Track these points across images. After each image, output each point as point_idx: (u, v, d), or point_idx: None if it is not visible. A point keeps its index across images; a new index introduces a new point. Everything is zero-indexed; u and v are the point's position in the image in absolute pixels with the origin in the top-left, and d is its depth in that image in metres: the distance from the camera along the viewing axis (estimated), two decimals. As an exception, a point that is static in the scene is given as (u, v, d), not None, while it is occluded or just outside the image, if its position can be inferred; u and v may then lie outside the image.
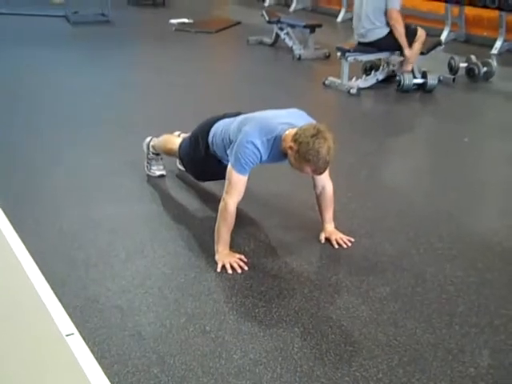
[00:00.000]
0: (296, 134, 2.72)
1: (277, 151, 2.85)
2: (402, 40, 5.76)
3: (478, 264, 2.94)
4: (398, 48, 5.88)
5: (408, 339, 2.38)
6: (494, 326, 2.47)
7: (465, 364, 2.26)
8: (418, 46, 5.89)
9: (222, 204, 2.89)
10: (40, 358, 2.27)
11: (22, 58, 7.14)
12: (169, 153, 3.67)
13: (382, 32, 5.81)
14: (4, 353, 2.28)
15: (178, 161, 3.83)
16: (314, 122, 2.95)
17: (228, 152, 2.98)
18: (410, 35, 5.86)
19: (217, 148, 3.18)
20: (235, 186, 2.87)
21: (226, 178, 2.92)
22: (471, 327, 2.46)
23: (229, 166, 2.91)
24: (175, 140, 3.62)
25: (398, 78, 5.94)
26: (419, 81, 5.94)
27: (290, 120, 2.91)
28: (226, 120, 3.21)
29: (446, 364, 2.26)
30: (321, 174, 2.87)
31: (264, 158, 2.86)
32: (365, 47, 5.99)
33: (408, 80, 5.83)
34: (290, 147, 2.72)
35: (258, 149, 2.81)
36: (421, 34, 5.92)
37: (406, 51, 5.81)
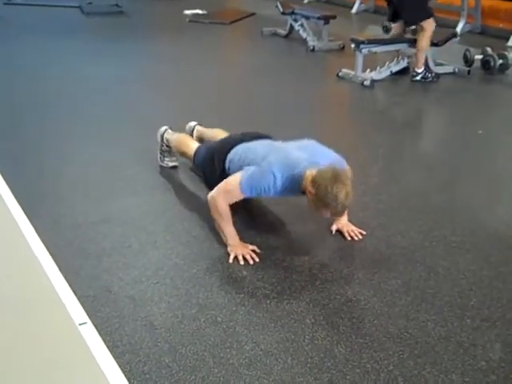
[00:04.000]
0: (315, 177, 2.67)
1: (294, 187, 2.80)
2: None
3: (491, 258, 2.92)
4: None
5: (419, 332, 2.38)
6: (506, 320, 2.46)
7: (476, 357, 2.25)
8: (424, 41, 5.87)
9: (212, 203, 2.87)
10: (53, 346, 2.30)
11: (36, 49, 7.17)
12: (182, 155, 3.64)
13: None
14: (19, 341, 2.31)
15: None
16: (334, 158, 2.90)
17: (244, 168, 2.90)
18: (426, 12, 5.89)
19: (233, 173, 3.05)
20: (229, 196, 2.85)
21: (227, 180, 2.91)
22: (483, 321, 2.46)
23: (238, 174, 2.87)
24: (191, 144, 3.55)
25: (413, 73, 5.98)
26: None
27: (313, 157, 2.85)
28: (245, 146, 3.12)
29: (457, 357, 2.25)
30: (339, 216, 2.84)
31: (277, 192, 2.82)
32: None
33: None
34: (309, 190, 2.70)
35: (275, 183, 2.77)
36: (430, 26, 5.85)
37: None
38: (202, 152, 3.37)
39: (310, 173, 2.71)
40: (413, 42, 5.97)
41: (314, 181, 2.66)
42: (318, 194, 2.64)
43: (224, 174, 3.07)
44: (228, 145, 3.21)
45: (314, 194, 2.67)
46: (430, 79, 5.98)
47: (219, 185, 2.94)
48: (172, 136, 3.73)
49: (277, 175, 2.76)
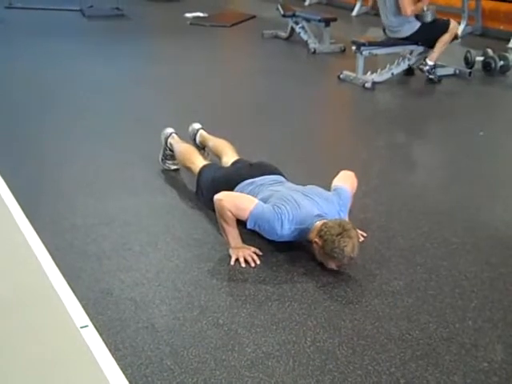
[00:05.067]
0: (321, 230, 2.70)
1: (299, 237, 2.85)
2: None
3: (492, 259, 2.92)
4: (431, 41, 5.92)
5: (421, 333, 2.38)
6: (507, 321, 2.46)
7: (478, 359, 2.25)
8: (447, 37, 5.89)
9: (219, 206, 2.84)
10: (55, 349, 2.30)
11: (37, 51, 7.18)
12: (185, 168, 3.60)
13: (413, 27, 5.86)
14: (20, 344, 2.30)
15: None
16: (342, 205, 2.95)
17: (260, 202, 2.86)
18: (441, 28, 5.88)
19: None
20: (237, 211, 2.82)
21: (243, 198, 2.90)
22: (484, 322, 2.45)
23: (254, 200, 2.85)
24: (196, 161, 3.48)
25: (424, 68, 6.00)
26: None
27: (322, 210, 2.87)
28: (252, 182, 3.09)
29: (459, 358, 2.25)
30: (344, 267, 2.83)
31: (278, 238, 2.85)
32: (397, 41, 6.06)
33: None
34: (316, 242, 2.73)
35: (281, 230, 2.78)
36: (453, 26, 5.94)
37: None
38: (206, 177, 3.31)
39: (317, 225, 2.76)
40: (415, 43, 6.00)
41: (321, 234, 2.70)
42: (324, 247, 2.69)
43: None
44: (236, 179, 3.16)
45: (320, 247, 2.72)
46: (433, 77, 5.98)
47: (232, 193, 2.95)
48: (177, 146, 3.69)
49: (285, 225, 2.78)
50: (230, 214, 2.82)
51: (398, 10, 5.79)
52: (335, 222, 2.75)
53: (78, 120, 4.85)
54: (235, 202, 2.86)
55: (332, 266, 2.76)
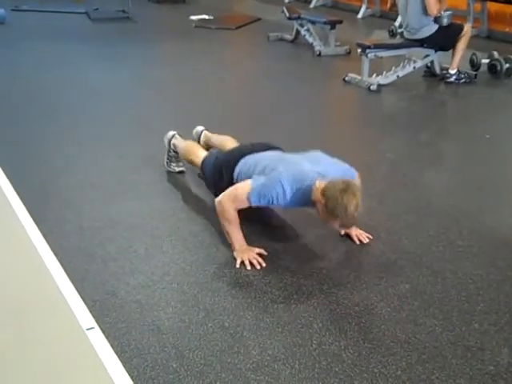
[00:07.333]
0: (325, 188, 2.68)
1: (303, 199, 2.81)
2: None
3: (499, 262, 2.91)
4: (446, 44, 5.98)
5: (427, 337, 2.37)
6: (514, 324, 2.45)
7: (484, 362, 2.24)
8: (463, 42, 5.95)
9: (219, 207, 2.86)
10: (61, 351, 2.30)
11: (42, 54, 7.21)
12: (189, 163, 3.62)
13: (431, 29, 5.89)
14: (26, 346, 2.31)
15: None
16: (344, 169, 2.92)
17: (254, 177, 2.89)
18: (456, 32, 5.92)
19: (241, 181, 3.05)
20: (237, 202, 2.84)
21: (237, 187, 2.90)
22: (491, 325, 2.44)
23: (247, 182, 2.86)
24: (198, 153, 3.53)
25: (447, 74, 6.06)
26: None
27: (323, 169, 2.85)
28: (254, 157, 3.09)
29: (465, 362, 2.24)
30: (348, 228, 2.83)
31: (286, 204, 2.82)
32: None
33: None
34: (319, 201, 2.70)
35: (284, 195, 2.76)
36: (467, 30, 6.00)
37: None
38: (209, 161, 3.35)
39: (320, 184, 2.72)
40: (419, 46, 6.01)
41: (324, 192, 2.67)
42: (327, 205, 2.65)
43: (232, 185, 3.04)
44: (237, 155, 3.18)
45: (323, 205, 2.68)
46: (464, 80, 6.01)
47: (227, 190, 2.93)
48: (180, 143, 3.72)
49: (286, 187, 2.76)
50: (231, 210, 2.82)
51: (423, 10, 5.81)
52: (339, 180, 2.69)
53: (82, 123, 4.86)
54: (231, 193, 2.87)
55: (335, 225, 2.73)
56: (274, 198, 2.78)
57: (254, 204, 2.83)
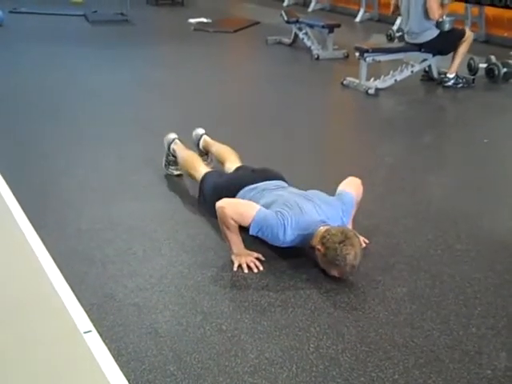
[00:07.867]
0: (324, 237, 2.70)
1: (301, 242, 2.84)
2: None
3: (497, 265, 2.91)
4: (446, 49, 6.02)
5: (424, 341, 2.37)
6: (511, 328, 2.45)
7: (482, 366, 2.24)
8: (464, 47, 5.98)
9: (221, 213, 2.83)
10: (58, 354, 2.30)
11: (41, 56, 7.21)
12: (188, 175, 3.60)
13: (432, 33, 5.90)
14: (23, 349, 2.30)
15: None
16: (344, 211, 2.95)
17: (261, 208, 2.85)
18: (457, 37, 5.95)
19: None
20: (238, 218, 2.81)
21: (244, 205, 2.89)
22: (488, 329, 2.44)
23: (256, 206, 2.84)
24: (198, 168, 3.49)
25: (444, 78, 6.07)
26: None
27: (325, 215, 2.87)
28: (255, 190, 3.08)
29: (462, 366, 2.24)
30: (347, 276, 2.80)
31: (282, 244, 2.84)
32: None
33: None
34: (318, 249, 2.73)
35: (284, 236, 2.78)
36: (469, 35, 6.03)
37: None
38: (209, 184, 3.31)
39: (320, 232, 2.75)
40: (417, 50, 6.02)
41: (323, 241, 2.70)
42: (327, 254, 2.69)
43: None
44: (238, 185, 3.16)
45: (323, 254, 2.72)
46: (462, 85, 6.02)
47: (234, 200, 2.94)
48: (180, 151, 3.70)
49: (287, 231, 2.77)
50: (232, 221, 2.81)
51: (425, 14, 5.82)
52: (338, 229, 2.74)
53: (81, 125, 4.86)
54: (237, 208, 2.86)
55: (334, 273, 2.75)
56: (271, 235, 2.80)
57: (251, 231, 2.82)
